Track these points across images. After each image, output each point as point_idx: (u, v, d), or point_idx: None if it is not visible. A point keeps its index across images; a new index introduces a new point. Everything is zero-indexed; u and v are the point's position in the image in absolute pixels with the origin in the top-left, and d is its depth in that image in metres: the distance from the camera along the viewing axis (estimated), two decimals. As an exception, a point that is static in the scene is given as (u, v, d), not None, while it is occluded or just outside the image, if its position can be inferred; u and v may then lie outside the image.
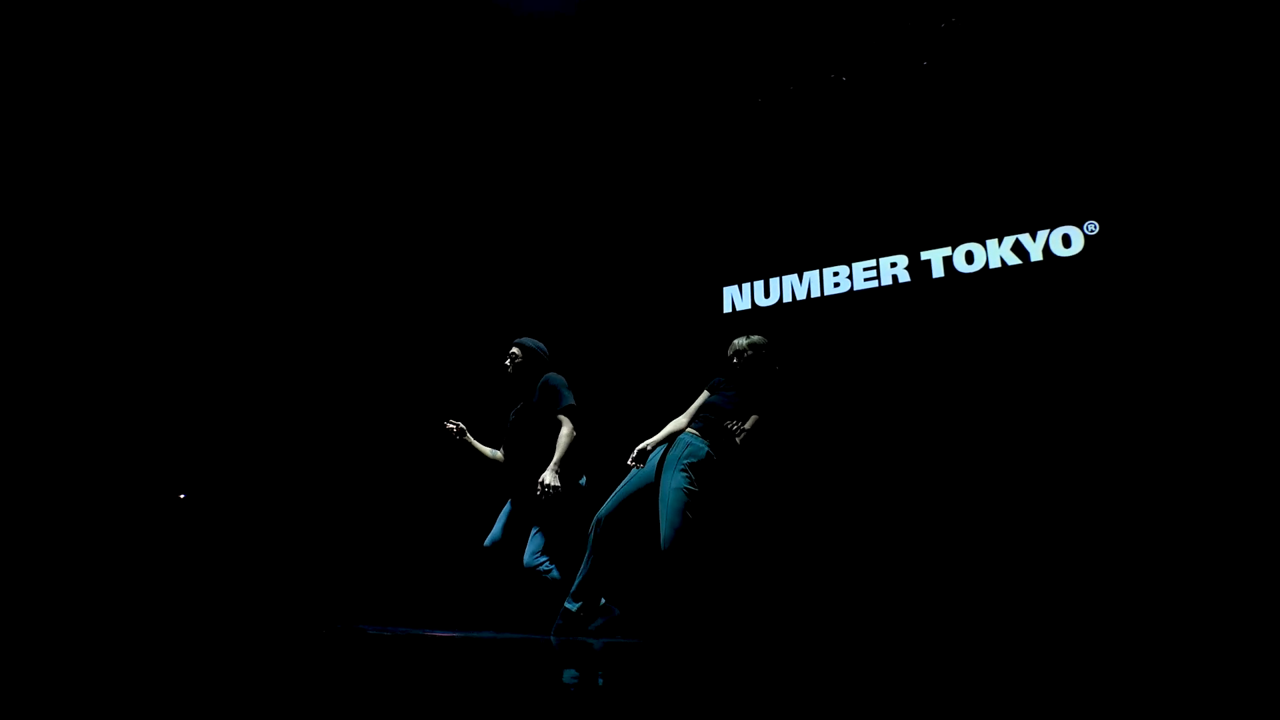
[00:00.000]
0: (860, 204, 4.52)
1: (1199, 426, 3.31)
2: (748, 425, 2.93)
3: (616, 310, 5.15)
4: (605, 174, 5.44)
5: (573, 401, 3.21)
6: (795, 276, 4.60)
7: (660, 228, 5.18)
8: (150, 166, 5.39)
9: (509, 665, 1.76)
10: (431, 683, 1.37)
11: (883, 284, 4.31)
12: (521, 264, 5.60)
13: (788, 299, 4.58)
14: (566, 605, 2.97)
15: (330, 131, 5.44)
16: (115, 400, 5.23)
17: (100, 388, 5.19)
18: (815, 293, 4.50)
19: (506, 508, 3.32)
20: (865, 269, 4.39)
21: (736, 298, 4.76)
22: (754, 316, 4.61)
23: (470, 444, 3.46)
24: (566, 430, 3.13)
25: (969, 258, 4.13)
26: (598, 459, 3.66)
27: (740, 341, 3.22)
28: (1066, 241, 3.89)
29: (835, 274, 4.47)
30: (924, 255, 4.24)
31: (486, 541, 3.27)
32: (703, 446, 2.99)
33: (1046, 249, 3.93)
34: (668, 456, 3.02)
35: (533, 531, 3.18)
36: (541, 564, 3.10)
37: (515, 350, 3.41)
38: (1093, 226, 3.85)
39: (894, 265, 4.31)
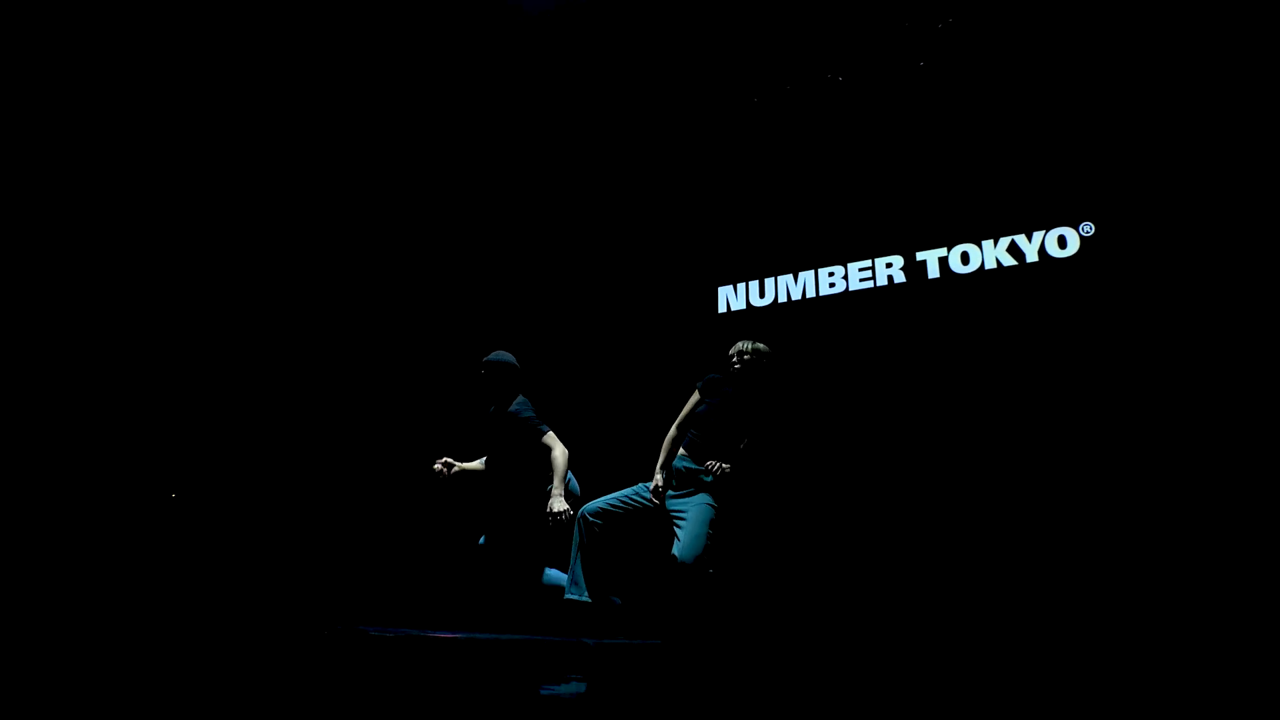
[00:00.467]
0: (856, 204, 4.51)
1: (1194, 427, 3.33)
2: (727, 466, 2.98)
3: (611, 309, 5.16)
4: (600, 173, 5.43)
5: (545, 426, 3.20)
6: (790, 277, 4.61)
7: (655, 227, 5.17)
8: (149, 166, 5.39)
9: (508, 665, 1.78)
10: (432, 683, 1.39)
11: (878, 284, 4.32)
12: (516, 263, 5.61)
13: (783, 299, 4.59)
14: (568, 597, 3.01)
15: (331, 132, 5.45)
16: (115, 400, 5.24)
17: (100, 388, 5.20)
18: (810, 293, 4.51)
19: None
20: (861, 269, 4.40)
21: (731, 298, 4.77)
22: (749, 317, 4.62)
23: (462, 470, 3.43)
24: (559, 451, 3.14)
25: (965, 258, 4.14)
26: (598, 459, 3.68)
27: (744, 344, 3.20)
28: (1062, 243, 3.91)
29: (830, 274, 4.48)
30: (920, 256, 4.25)
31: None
32: (696, 470, 3.04)
33: (1042, 250, 3.94)
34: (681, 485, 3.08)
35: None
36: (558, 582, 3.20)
37: (483, 371, 3.38)
38: (1088, 228, 3.87)
39: (890, 266, 4.32)
